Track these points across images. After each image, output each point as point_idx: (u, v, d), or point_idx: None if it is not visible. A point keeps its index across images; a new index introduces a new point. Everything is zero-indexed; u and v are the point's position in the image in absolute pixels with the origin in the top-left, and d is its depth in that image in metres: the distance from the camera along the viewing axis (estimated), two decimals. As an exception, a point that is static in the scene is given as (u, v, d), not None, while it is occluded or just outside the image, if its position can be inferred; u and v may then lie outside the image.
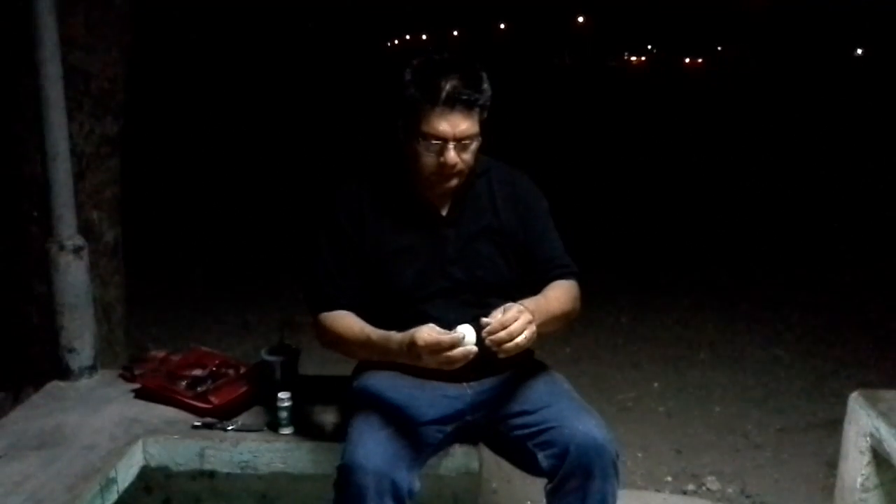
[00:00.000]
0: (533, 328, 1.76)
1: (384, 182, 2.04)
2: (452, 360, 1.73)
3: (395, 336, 1.83)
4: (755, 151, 11.47)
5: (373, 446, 1.82)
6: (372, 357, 1.97)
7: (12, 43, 2.72)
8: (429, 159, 1.89)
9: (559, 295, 1.98)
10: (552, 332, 1.94)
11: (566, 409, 1.92)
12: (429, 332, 1.75)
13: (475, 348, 1.73)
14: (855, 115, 15.96)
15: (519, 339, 1.73)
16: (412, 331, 1.77)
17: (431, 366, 1.77)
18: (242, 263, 5.91)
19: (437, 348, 1.73)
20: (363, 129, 10.05)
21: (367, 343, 1.91)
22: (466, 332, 1.74)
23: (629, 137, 13.27)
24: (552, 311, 1.92)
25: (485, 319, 1.74)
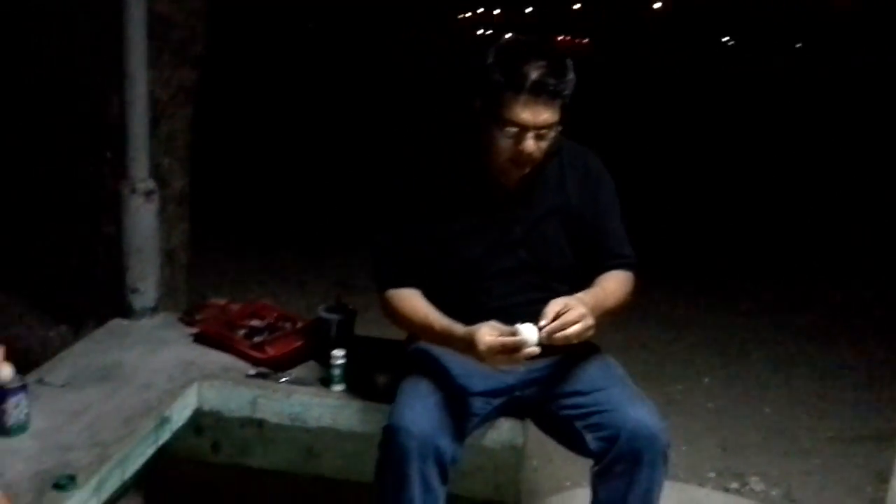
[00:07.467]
0: (591, 330, 1.79)
1: (453, 158, 2.02)
2: (514, 362, 1.75)
3: (458, 330, 1.83)
4: (816, 150, 11.11)
5: (420, 411, 1.83)
6: (432, 342, 1.98)
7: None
8: (505, 146, 1.86)
9: (616, 289, 1.98)
10: (601, 323, 1.93)
11: (620, 394, 1.91)
12: (490, 334, 1.75)
13: (537, 349, 1.73)
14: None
15: (574, 338, 1.76)
16: (474, 328, 1.78)
17: (491, 365, 1.78)
18: (303, 222, 5.97)
19: (501, 350, 1.73)
20: (431, 99, 10.05)
21: (428, 329, 1.93)
22: (529, 333, 1.72)
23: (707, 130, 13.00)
24: (607, 305, 1.93)
25: (542, 322, 1.75)
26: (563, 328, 1.74)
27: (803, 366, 4.06)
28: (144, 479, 2.28)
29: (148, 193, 2.56)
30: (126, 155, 2.55)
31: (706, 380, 3.76)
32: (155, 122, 2.90)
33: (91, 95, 3.00)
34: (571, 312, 1.75)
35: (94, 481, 1.74)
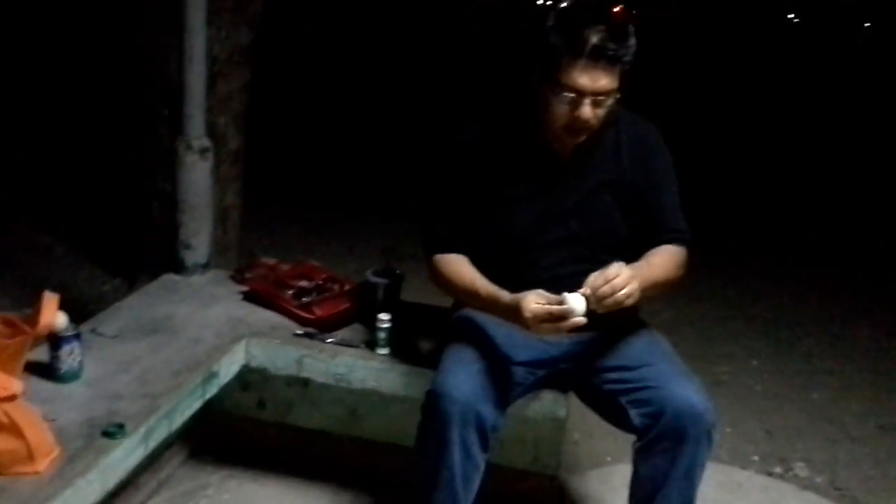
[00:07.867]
0: (636, 285, 1.73)
1: (507, 124, 2.00)
2: (559, 332, 1.74)
3: (504, 297, 1.82)
4: (879, 129, 10.72)
5: (463, 377, 1.84)
6: (477, 309, 1.97)
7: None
8: (560, 111, 1.83)
9: (663, 262, 1.93)
10: (650, 297, 1.89)
11: (666, 371, 1.89)
12: (537, 301, 1.73)
13: (584, 319, 1.71)
14: None
15: (619, 295, 1.71)
16: (520, 296, 1.76)
17: (536, 333, 1.77)
18: (354, 187, 5.99)
19: (547, 319, 1.72)
20: (489, 61, 9.92)
21: (475, 296, 1.92)
22: (576, 303, 1.70)
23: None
24: (654, 277, 1.87)
25: (583, 290, 1.71)
26: (607, 281, 1.70)
27: (854, 351, 3.97)
28: (190, 432, 2.34)
29: (203, 151, 2.58)
30: (182, 112, 2.57)
31: (754, 362, 3.70)
32: (212, 81, 2.92)
33: (149, 53, 3.03)
34: (612, 269, 1.72)
35: (142, 430, 1.78)
